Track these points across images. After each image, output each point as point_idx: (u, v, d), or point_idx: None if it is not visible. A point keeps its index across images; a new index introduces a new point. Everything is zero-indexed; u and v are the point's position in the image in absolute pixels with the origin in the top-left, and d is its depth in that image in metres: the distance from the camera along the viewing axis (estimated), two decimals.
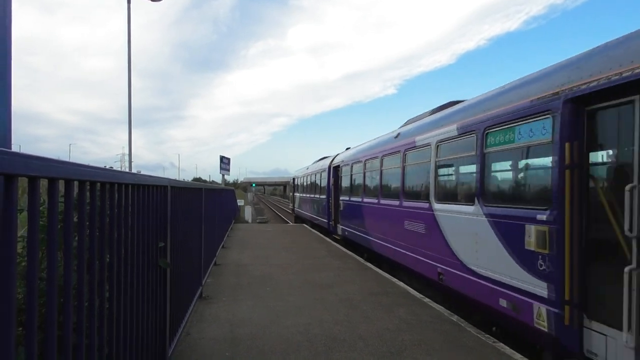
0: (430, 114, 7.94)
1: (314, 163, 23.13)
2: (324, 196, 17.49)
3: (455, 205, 5.25)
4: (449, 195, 5.73)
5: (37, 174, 1.54)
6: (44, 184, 1.74)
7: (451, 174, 5.68)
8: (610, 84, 2.74)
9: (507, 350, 3.86)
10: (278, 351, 4.33)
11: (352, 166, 12.92)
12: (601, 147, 3.05)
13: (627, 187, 2.87)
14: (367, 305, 6.43)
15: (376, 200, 10.03)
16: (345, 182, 13.94)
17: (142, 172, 3.41)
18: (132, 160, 17.90)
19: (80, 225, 1.95)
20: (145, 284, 2.94)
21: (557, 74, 3.57)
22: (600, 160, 3.11)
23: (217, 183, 64.53)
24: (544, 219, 3.63)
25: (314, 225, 19.92)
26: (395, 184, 8.54)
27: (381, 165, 9.91)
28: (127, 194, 2.54)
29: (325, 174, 17.45)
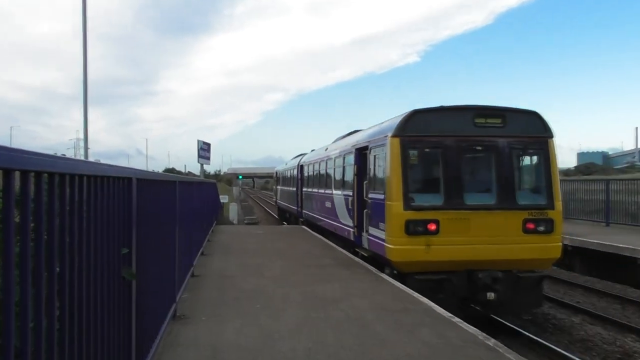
0: (342, 138, 17.72)
1: (292, 159, 32.18)
2: (294, 188, 26.77)
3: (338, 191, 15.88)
4: (337, 185, 15.84)
5: None
6: None
7: (332, 175, 16.85)
8: (361, 145, 12.52)
9: None
10: None
11: (307, 166, 22.62)
12: (362, 167, 12.96)
13: (365, 182, 12.01)
14: (382, 325, 6.39)
15: (317, 190, 19.55)
16: (305, 177, 23.53)
17: (101, 161, 3.41)
18: (89, 146, 18.01)
19: (23, 226, 1.89)
20: (106, 299, 2.93)
21: (353, 140, 14.28)
22: (361, 172, 13.31)
23: (194, 175, 65.78)
24: (351, 194, 13.32)
25: (291, 214, 28.79)
26: (324, 179, 18.23)
27: (319, 167, 19.62)
28: (81, 188, 2.49)
29: (296, 171, 26.58)
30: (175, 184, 6.51)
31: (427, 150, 10.77)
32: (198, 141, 26.55)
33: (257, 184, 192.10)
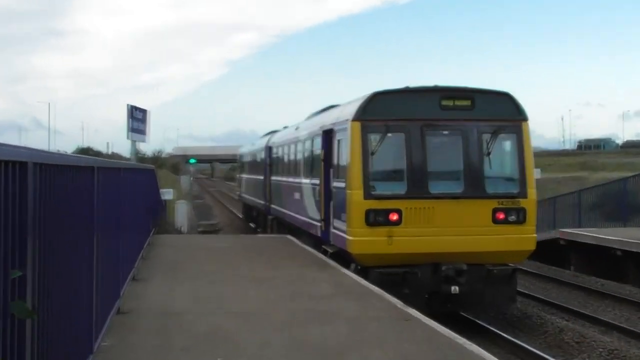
0: (316, 115, 19.79)
1: (260, 138, 31.94)
2: (262, 177, 26.76)
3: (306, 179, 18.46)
4: (306, 173, 18.51)
5: None
6: None
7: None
8: (327, 127, 15.02)
9: None
10: None
11: (277, 148, 23.91)
12: (329, 152, 15.28)
13: (331, 169, 15.34)
14: None
15: (286, 179, 21.26)
16: (274, 163, 24.34)
17: None
18: None
19: None
20: None
21: (321, 120, 17.59)
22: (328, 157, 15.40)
23: (123, 158, 58.07)
24: (317, 183, 16.05)
25: (259, 212, 29.28)
26: (294, 166, 20.34)
27: (289, 150, 21.63)
28: None
29: (263, 154, 26.61)
30: (93, 171, 6.10)
31: (389, 135, 13.22)
32: (128, 107, 25.54)
33: (218, 171, 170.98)
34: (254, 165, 31.57)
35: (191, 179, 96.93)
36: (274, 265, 14.07)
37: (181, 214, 34.07)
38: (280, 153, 23.34)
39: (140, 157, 59.73)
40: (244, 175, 36.21)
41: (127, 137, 23.86)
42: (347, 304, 10.05)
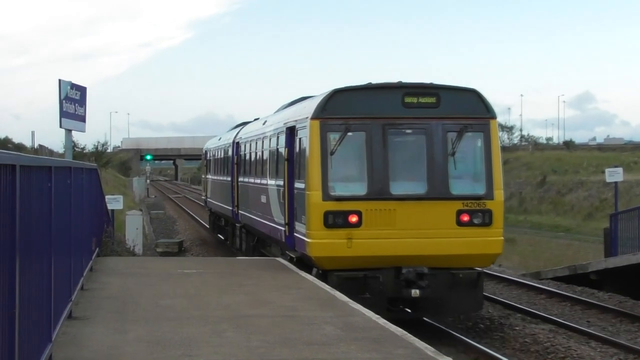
0: (287, 107, 21.65)
1: (228, 131, 32.52)
2: (229, 178, 27.64)
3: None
4: (272, 173, 20.38)
5: None
6: None
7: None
8: (291, 124, 17.04)
9: None
10: None
11: (244, 145, 25.09)
12: (292, 150, 17.41)
13: (295, 169, 17.12)
14: None
15: (253, 180, 22.40)
16: (242, 161, 25.29)
17: None
18: None
19: None
20: None
21: (287, 115, 19.53)
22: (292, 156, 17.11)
23: (53, 153, 53.51)
24: (282, 184, 17.92)
25: (227, 221, 30.21)
26: (261, 165, 21.67)
27: (256, 147, 22.75)
28: None
29: (230, 150, 27.48)
30: (9, 171, 5.91)
31: (350, 134, 15.00)
32: (61, 83, 24.56)
33: (182, 171, 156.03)
34: (220, 165, 32.09)
35: (147, 181, 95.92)
36: (259, 298, 13.23)
37: (133, 228, 32.69)
38: (247, 150, 24.19)
39: (77, 153, 56.94)
40: (210, 177, 36.48)
41: (61, 125, 22.36)
42: (360, 354, 9.35)
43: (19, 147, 65.97)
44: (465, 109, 15.50)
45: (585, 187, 66.05)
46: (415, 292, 14.44)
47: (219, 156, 32.88)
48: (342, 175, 15.28)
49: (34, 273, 7.44)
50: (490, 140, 15.33)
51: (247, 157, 24.18)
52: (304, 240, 15.29)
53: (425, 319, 15.15)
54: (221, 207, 30.99)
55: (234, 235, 28.41)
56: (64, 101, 21.50)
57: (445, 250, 14.86)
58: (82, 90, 22.92)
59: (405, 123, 15.37)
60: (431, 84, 15.64)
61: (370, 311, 12.54)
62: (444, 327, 14.93)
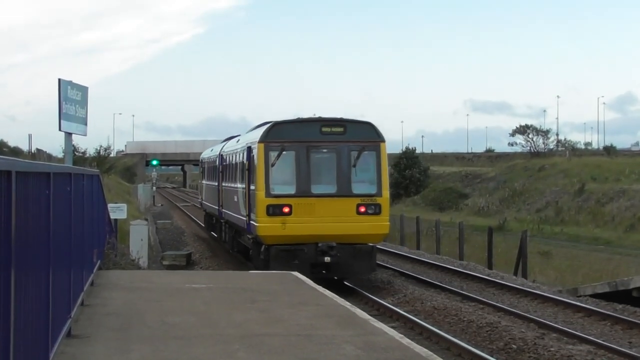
0: (254, 129, 32.33)
1: (220, 143, 41.24)
2: (216, 183, 37.10)
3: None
4: (241, 179, 30.93)
5: None
6: None
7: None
8: (249, 144, 28.10)
9: None
10: None
11: (227, 156, 35.48)
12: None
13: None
14: None
15: (231, 185, 33.13)
16: (225, 170, 35.55)
17: None
18: None
19: None
20: None
21: (249, 137, 30.78)
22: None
23: (52, 158, 53.50)
24: (244, 187, 28.73)
25: (217, 219, 39.93)
26: (235, 173, 32.75)
27: (233, 159, 32.88)
28: None
29: (217, 161, 37.37)
30: (9, 177, 5.95)
31: (284, 152, 23.77)
32: (60, 83, 24.51)
33: (191, 178, 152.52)
34: (211, 172, 42.34)
35: (153, 189, 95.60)
36: (273, 315, 13.22)
37: (138, 239, 32.33)
38: (227, 161, 33.95)
39: (78, 157, 55.94)
40: (204, 182, 46.90)
41: (60, 128, 22.31)
42: None
43: (15, 152, 65.34)
44: (364, 135, 24.84)
45: (627, 196, 65.67)
46: (327, 259, 23.59)
47: (210, 165, 44.02)
48: (279, 180, 24.48)
49: (30, 288, 7.45)
50: (380, 157, 24.80)
51: (228, 166, 33.97)
52: (255, 225, 24.17)
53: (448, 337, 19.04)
54: (211, 207, 41.31)
55: (221, 231, 37.67)
56: (63, 102, 21.35)
57: (348, 231, 23.93)
58: (83, 90, 22.81)
59: (322, 145, 24.73)
60: (341, 118, 25.55)
61: (393, 330, 12.63)
62: (478, 352, 16.84)
